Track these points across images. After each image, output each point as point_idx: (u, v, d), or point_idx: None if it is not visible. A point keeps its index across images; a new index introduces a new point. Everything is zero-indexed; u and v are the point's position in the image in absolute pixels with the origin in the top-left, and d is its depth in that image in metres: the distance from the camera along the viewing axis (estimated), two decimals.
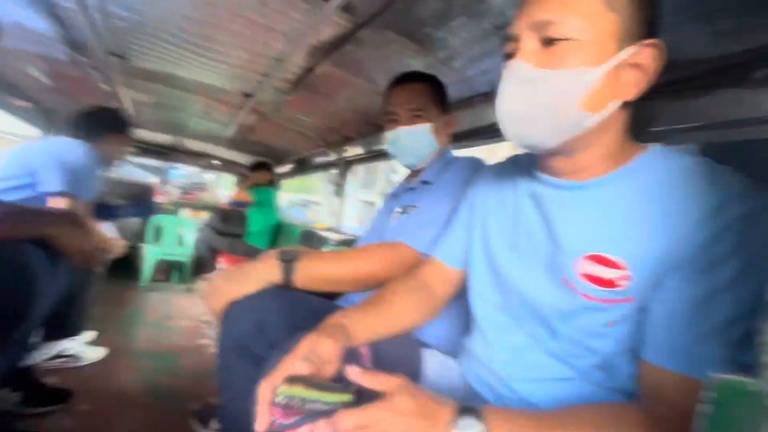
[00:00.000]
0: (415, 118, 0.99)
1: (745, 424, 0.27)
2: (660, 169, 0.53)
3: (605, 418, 0.47)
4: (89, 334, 1.87)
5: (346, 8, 1.10)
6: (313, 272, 0.80)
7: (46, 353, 1.54)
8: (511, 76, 0.54)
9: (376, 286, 0.84)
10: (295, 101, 1.97)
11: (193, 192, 7.22)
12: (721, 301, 0.45)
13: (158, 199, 3.91)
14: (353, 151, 2.46)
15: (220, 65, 1.67)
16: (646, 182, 0.53)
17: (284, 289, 0.77)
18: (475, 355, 0.68)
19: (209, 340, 2.16)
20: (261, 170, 3.29)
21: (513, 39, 0.55)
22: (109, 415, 1.32)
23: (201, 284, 3.46)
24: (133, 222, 3.52)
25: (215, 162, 4.24)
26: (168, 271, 3.55)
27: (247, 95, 2.00)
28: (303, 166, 3.51)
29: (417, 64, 1.29)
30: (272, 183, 3.41)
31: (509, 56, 0.56)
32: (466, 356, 0.72)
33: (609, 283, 0.52)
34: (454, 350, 0.82)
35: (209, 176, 7.74)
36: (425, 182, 1.01)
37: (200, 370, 1.77)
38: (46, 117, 2.85)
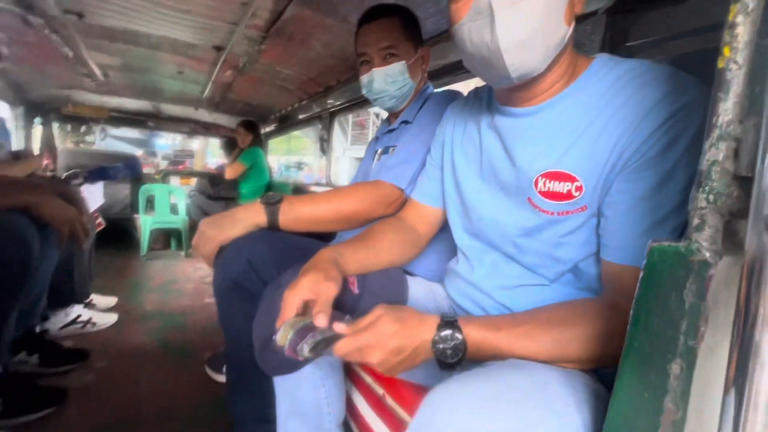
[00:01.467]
0: (387, 57, 0.95)
1: (676, 281, 0.30)
2: (605, 78, 0.55)
3: (569, 312, 0.52)
4: (109, 300, 1.94)
5: None
6: (297, 213, 0.82)
7: (61, 320, 1.60)
8: (491, 5, 0.51)
9: (359, 225, 0.87)
10: (270, 50, 1.88)
11: (181, 160, 7.09)
12: (665, 193, 0.48)
13: (145, 169, 3.86)
14: (336, 100, 2.40)
15: (184, 16, 1.58)
16: (591, 93, 0.55)
17: (271, 231, 0.80)
18: (459, 274, 0.72)
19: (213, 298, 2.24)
20: (246, 130, 3.22)
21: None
22: (127, 369, 1.40)
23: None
24: (125, 194, 3.50)
25: (198, 127, 4.13)
26: (166, 239, 3.59)
27: (219, 48, 1.91)
28: (287, 123, 3.43)
29: None
30: (259, 142, 3.35)
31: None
32: (450, 277, 0.77)
33: (565, 196, 0.55)
34: (440, 279, 0.86)
35: (195, 143, 7.59)
36: (405, 122, 1.01)
37: (208, 325, 1.85)
38: (11, 90, 2.73)
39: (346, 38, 1.61)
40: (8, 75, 2.51)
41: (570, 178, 0.54)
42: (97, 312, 1.76)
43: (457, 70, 1.40)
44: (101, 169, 1.89)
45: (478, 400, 0.37)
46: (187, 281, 2.63)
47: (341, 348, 0.52)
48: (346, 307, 0.68)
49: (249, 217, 0.79)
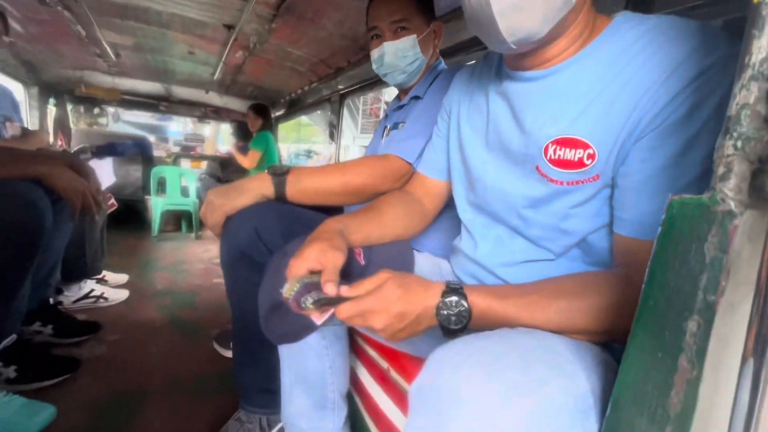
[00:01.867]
0: (399, 30, 0.93)
1: (697, 234, 0.29)
2: (625, 36, 0.51)
3: (578, 283, 0.50)
4: (120, 277, 1.98)
5: None
6: (304, 185, 0.82)
7: (74, 294, 1.64)
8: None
9: (367, 199, 0.86)
10: (281, 29, 1.86)
11: (192, 145, 7.15)
12: (686, 162, 0.45)
13: (156, 152, 3.90)
14: (347, 83, 2.37)
15: None
16: (609, 53, 0.52)
17: (278, 202, 0.79)
18: (463, 251, 0.71)
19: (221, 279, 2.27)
20: (256, 114, 3.22)
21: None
22: (137, 342, 1.43)
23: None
24: (137, 176, 3.54)
25: (209, 111, 4.13)
26: (176, 221, 3.64)
27: (229, 27, 1.89)
28: (297, 106, 3.41)
29: None
30: (269, 126, 3.34)
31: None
32: (455, 255, 0.76)
33: (576, 164, 0.53)
34: (446, 255, 0.85)
35: (206, 128, 7.61)
36: (415, 97, 0.99)
37: (216, 304, 1.88)
38: (25, 69, 2.76)
39: (357, 16, 1.58)
40: (22, 54, 2.53)
41: (582, 145, 0.52)
42: (109, 288, 1.79)
43: (470, 47, 1.37)
44: (110, 146, 1.91)
45: (484, 356, 0.36)
46: (196, 262, 2.66)
47: (344, 311, 0.51)
48: (352, 278, 0.68)
49: (256, 187, 0.79)
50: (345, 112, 2.77)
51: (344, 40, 1.88)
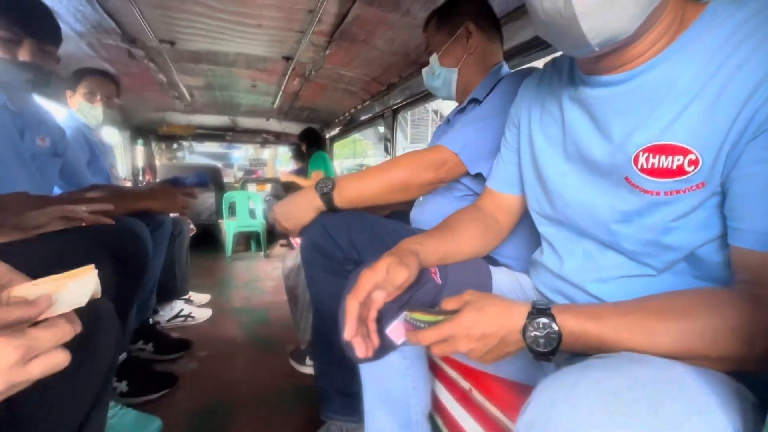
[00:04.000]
0: (428, 55, 1.05)
1: None
2: (724, 24, 0.45)
3: (691, 301, 0.44)
4: (204, 297, 2.17)
5: None
6: (349, 195, 0.85)
7: (168, 314, 1.81)
8: None
9: (415, 192, 0.88)
10: (334, 54, 1.94)
11: (256, 170, 7.68)
12: None
13: (225, 179, 4.25)
14: (398, 98, 2.41)
15: (257, 31, 1.69)
16: (706, 45, 0.46)
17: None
18: (546, 265, 0.67)
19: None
20: (303, 140, 3.40)
21: None
22: (222, 358, 1.54)
23: (278, 250, 3.76)
24: (211, 203, 3.87)
25: (269, 137, 4.42)
26: (246, 241, 3.90)
27: (288, 58, 2.02)
28: (351, 125, 3.52)
29: None
30: (321, 147, 3.49)
31: None
32: (536, 270, 0.72)
33: (675, 173, 0.47)
34: (525, 268, 0.81)
35: (267, 152, 8.17)
36: (474, 100, 0.99)
37: (288, 320, 1.96)
38: (120, 116, 3.16)
39: (408, 32, 1.61)
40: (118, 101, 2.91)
41: (681, 151, 0.46)
42: (195, 307, 1.96)
43: (530, 49, 1.32)
44: (174, 179, 2.14)
45: (604, 391, 0.33)
46: (267, 279, 2.83)
47: (426, 337, 0.51)
48: (429, 297, 0.67)
49: (312, 202, 0.86)
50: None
51: (395, 56, 1.91)
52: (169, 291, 1.81)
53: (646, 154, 0.50)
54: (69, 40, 1.67)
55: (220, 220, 3.70)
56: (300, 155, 4.23)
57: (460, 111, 1.04)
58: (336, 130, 3.88)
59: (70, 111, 1.75)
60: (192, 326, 1.85)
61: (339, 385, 0.91)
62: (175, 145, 4.47)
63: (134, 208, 1.08)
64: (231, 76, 2.39)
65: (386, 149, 2.89)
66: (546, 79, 0.70)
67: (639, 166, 0.51)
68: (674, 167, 0.48)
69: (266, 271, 3.10)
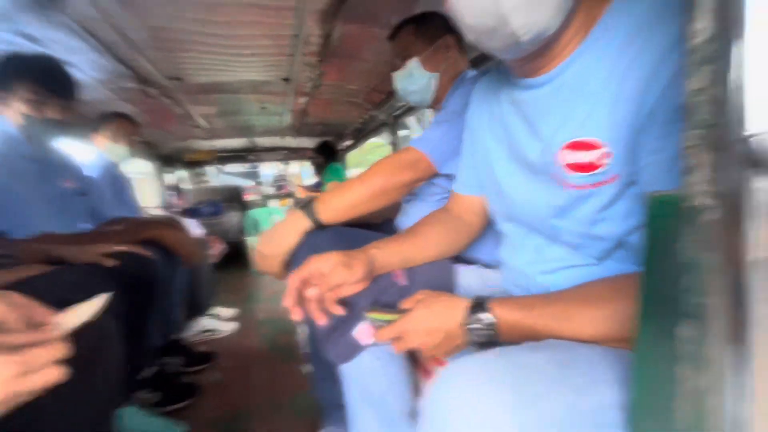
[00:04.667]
0: (403, 59, 1.05)
1: (675, 232, 0.27)
2: (625, 20, 0.47)
3: (608, 287, 0.47)
4: (229, 311, 2.30)
5: None
6: (334, 206, 0.85)
7: (194, 329, 1.95)
8: None
9: (396, 195, 0.89)
10: (330, 72, 2.02)
11: (282, 184, 7.95)
12: None
13: (247, 198, 4.46)
14: (398, 104, 2.46)
15: (253, 59, 1.81)
16: (608, 42, 0.48)
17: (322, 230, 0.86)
18: (506, 261, 0.70)
19: None
20: (318, 154, 3.51)
21: None
22: (245, 368, 1.64)
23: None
24: (237, 221, 4.07)
25: (288, 153, 4.60)
26: None
27: (287, 80, 2.12)
28: (360, 135, 3.61)
29: None
30: (334, 159, 3.59)
31: None
32: (501, 265, 0.74)
33: (593, 167, 0.50)
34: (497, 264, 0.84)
35: (291, 167, 8.45)
36: (444, 108, 1.01)
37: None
38: (148, 149, 3.41)
39: (380, 57, 1.66)
40: (144, 138, 3.15)
41: (595, 146, 0.49)
42: (220, 321, 2.09)
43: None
44: (192, 210, 2.33)
45: (487, 372, 0.37)
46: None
47: (382, 334, 0.56)
48: (395, 298, 0.72)
49: (294, 225, 0.83)
50: (414, 122, 2.85)
51: (387, 65, 1.96)
52: (194, 308, 1.94)
53: (567, 151, 0.52)
54: (91, 87, 1.86)
55: (244, 238, 3.88)
56: (319, 169, 4.38)
57: (433, 120, 1.07)
58: (349, 141, 3.98)
59: (98, 150, 1.93)
60: (218, 339, 1.97)
61: (333, 396, 0.96)
62: (199, 170, 4.74)
63: (141, 237, 1.19)
64: (239, 101, 2.53)
65: (390, 131, 2.96)
66: (493, 82, 0.73)
67: (563, 163, 0.53)
68: (589, 161, 0.50)
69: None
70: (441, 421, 0.36)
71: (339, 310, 0.63)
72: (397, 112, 2.59)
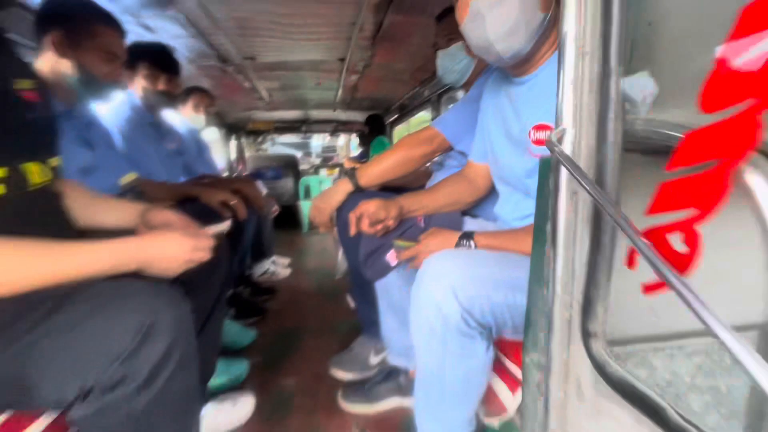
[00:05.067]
0: (448, 41, 1.20)
1: (546, 181, 0.51)
2: None
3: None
4: (285, 260, 2.71)
5: None
6: (369, 173, 1.15)
7: (259, 269, 2.37)
8: (480, 9, 0.71)
9: (416, 163, 1.16)
10: (380, 53, 2.26)
11: (330, 155, 8.35)
12: None
13: (300, 166, 4.87)
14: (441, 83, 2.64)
15: (315, 42, 2.08)
16: None
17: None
18: (498, 213, 0.95)
19: None
20: (365, 125, 3.77)
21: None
22: (298, 301, 2.04)
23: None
24: (290, 186, 4.51)
25: (338, 125, 4.92)
26: None
27: (342, 59, 2.39)
28: (406, 110, 3.82)
29: None
30: (380, 132, 3.84)
31: (461, 13, 0.75)
32: (496, 217, 0.99)
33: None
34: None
35: (339, 139, 8.84)
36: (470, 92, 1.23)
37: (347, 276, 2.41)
38: (217, 118, 3.86)
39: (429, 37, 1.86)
40: (216, 108, 3.59)
41: (550, 128, 0.72)
42: (279, 267, 2.50)
43: None
44: (257, 173, 2.70)
45: (449, 260, 0.64)
46: (334, 249, 3.32)
47: (404, 255, 0.84)
48: (416, 234, 0.99)
49: (341, 188, 1.15)
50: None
51: (432, 49, 2.16)
52: (260, 253, 2.36)
53: (534, 130, 0.76)
54: (183, 66, 2.24)
55: (297, 202, 4.31)
56: (364, 140, 4.66)
57: None
58: (395, 115, 4.21)
59: (183, 118, 2.34)
60: (277, 280, 2.39)
61: (369, 315, 1.27)
62: (260, 138, 5.21)
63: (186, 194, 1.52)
64: (299, 77, 2.85)
65: (433, 109, 3.16)
66: (498, 79, 0.95)
67: (532, 138, 0.77)
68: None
69: (333, 242, 3.61)
70: (424, 281, 0.65)
71: (379, 233, 0.92)
72: (440, 90, 2.78)
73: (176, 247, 0.70)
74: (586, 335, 0.46)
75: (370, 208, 0.94)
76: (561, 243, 0.48)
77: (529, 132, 0.76)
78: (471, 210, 1.13)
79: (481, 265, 0.64)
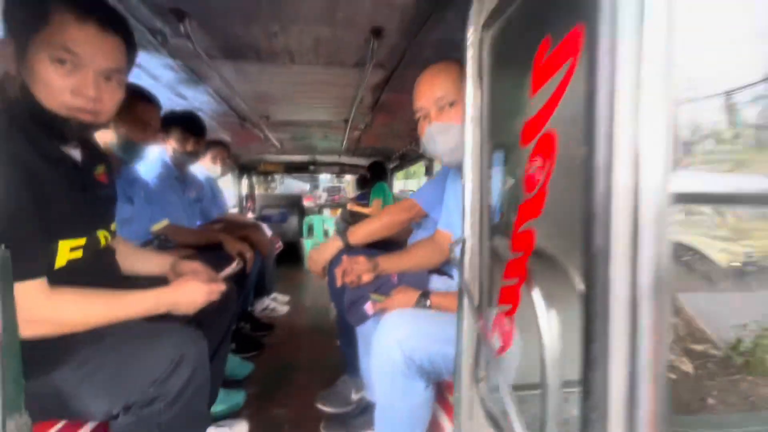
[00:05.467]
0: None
1: None
2: None
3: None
4: (285, 297, 2.92)
5: (378, 65, 1.64)
6: (357, 234, 1.39)
7: (259, 306, 2.58)
8: (436, 130, 0.99)
9: (398, 226, 1.40)
10: (378, 118, 2.58)
11: (334, 193, 8.70)
12: None
13: (306, 203, 5.17)
14: None
15: (323, 106, 2.41)
16: None
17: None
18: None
19: None
20: (369, 171, 4.08)
21: (422, 111, 1.02)
22: (293, 337, 2.22)
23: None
24: (295, 224, 4.78)
25: (343, 167, 5.26)
26: None
27: (346, 120, 2.71)
28: (405, 159, 4.14)
29: None
30: (382, 178, 4.14)
31: (423, 121, 1.02)
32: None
33: None
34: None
35: (344, 180, 9.27)
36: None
37: None
38: (231, 160, 4.20)
39: None
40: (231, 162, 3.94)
41: None
42: (278, 304, 2.70)
43: None
44: (265, 216, 2.96)
45: (408, 319, 0.86)
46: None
47: (378, 307, 1.07)
48: (389, 290, 1.22)
49: (334, 244, 1.38)
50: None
51: None
52: (261, 290, 2.57)
53: None
54: (206, 122, 2.58)
55: (301, 239, 4.56)
56: (363, 183, 4.98)
57: None
58: (395, 163, 4.53)
59: (202, 167, 2.65)
60: (276, 316, 2.58)
61: (351, 354, 1.48)
62: (269, 177, 5.56)
63: (209, 240, 1.79)
64: (308, 132, 3.18)
65: (427, 172, 3.46)
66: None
67: None
68: None
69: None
70: (380, 335, 0.86)
71: (353, 285, 1.15)
72: None
73: (195, 293, 0.93)
74: (477, 380, 0.67)
75: (350, 264, 1.17)
76: (465, 313, 0.70)
77: None
78: (441, 266, 1.35)
79: (424, 323, 0.86)
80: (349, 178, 10.36)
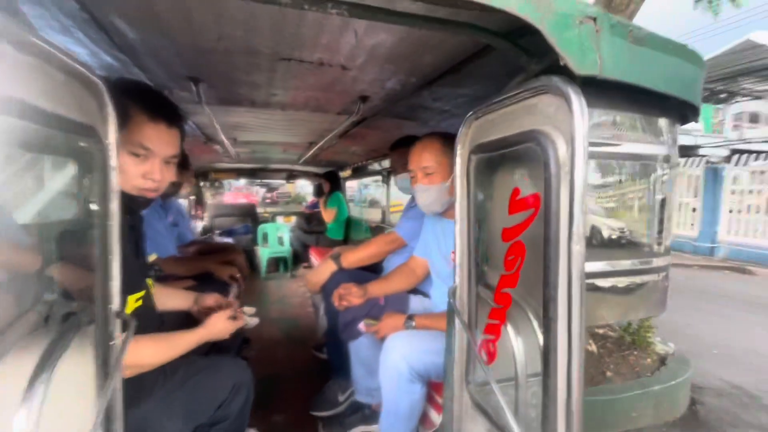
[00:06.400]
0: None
1: None
2: None
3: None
4: (251, 309, 3.02)
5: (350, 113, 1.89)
6: (350, 259, 1.67)
7: None
8: (421, 189, 1.30)
9: (385, 254, 1.73)
10: (342, 143, 2.82)
11: (279, 196, 8.62)
12: None
13: (257, 211, 5.20)
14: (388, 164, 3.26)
15: (291, 130, 2.58)
16: None
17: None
18: (432, 296, 1.50)
19: (312, 309, 3.23)
20: (326, 180, 4.28)
21: (412, 173, 1.32)
22: (268, 349, 2.40)
23: (302, 271, 4.64)
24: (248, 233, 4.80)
25: (294, 173, 5.36)
26: (276, 264, 4.79)
27: (311, 143, 2.90)
28: (359, 172, 4.40)
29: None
30: (338, 188, 4.36)
31: (413, 180, 1.33)
32: (431, 295, 1.54)
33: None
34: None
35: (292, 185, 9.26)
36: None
37: (311, 326, 2.81)
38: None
39: (386, 139, 2.46)
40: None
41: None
42: (247, 317, 2.82)
43: None
44: (229, 230, 3.07)
45: (406, 337, 1.16)
46: (294, 296, 3.68)
47: (370, 329, 1.34)
48: (377, 311, 1.50)
49: (329, 267, 1.66)
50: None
51: (382, 142, 2.77)
52: None
53: (453, 254, 1.33)
54: None
55: (255, 247, 4.61)
56: (319, 191, 5.14)
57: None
58: (349, 173, 4.77)
59: None
60: (248, 329, 2.71)
61: (340, 361, 1.74)
62: (217, 184, 5.46)
63: (218, 260, 1.94)
64: (270, 149, 3.30)
65: (384, 181, 3.79)
66: None
67: (452, 257, 1.33)
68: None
69: (293, 288, 3.97)
70: (388, 352, 1.15)
71: (342, 307, 1.42)
72: (389, 170, 3.40)
73: (225, 325, 1.15)
74: (467, 382, 0.98)
75: (345, 290, 1.44)
76: (456, 331, 1.01)
77: (451, 254, 1.32)
78: (418, 287, 1.67)
79: (420, 340, 1.16)
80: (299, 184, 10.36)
